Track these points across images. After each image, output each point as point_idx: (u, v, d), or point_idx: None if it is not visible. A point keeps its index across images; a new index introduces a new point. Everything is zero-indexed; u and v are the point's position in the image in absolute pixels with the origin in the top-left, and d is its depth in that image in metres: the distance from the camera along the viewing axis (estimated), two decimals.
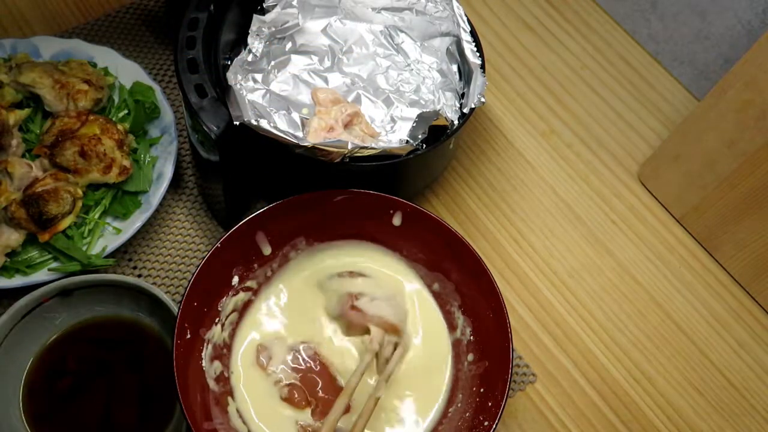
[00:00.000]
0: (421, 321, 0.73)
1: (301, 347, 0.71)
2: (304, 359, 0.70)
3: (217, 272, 0.68)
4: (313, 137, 0.69)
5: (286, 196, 0.69)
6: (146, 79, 0.82)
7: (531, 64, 0.97)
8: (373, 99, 0.75)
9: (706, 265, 0.85)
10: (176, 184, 0.83)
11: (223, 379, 0.68)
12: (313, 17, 0.78)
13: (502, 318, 0.66)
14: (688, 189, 0.83)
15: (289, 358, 0.70)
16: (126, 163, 0.76)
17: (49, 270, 0.72)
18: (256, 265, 0.72)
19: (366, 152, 0.68)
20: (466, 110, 0.73)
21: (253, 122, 0.65)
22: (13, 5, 0.93)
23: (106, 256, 0.73)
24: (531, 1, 1.02)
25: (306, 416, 0.68)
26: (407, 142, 0.70)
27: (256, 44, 0.75)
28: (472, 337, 0.71)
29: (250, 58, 0.74)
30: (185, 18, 0.70)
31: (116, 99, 0.82)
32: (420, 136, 0.70)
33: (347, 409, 0.66)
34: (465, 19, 0.79)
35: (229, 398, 0.68)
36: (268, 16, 0.76)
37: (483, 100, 0.73)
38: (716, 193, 0.80)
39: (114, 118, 0.80)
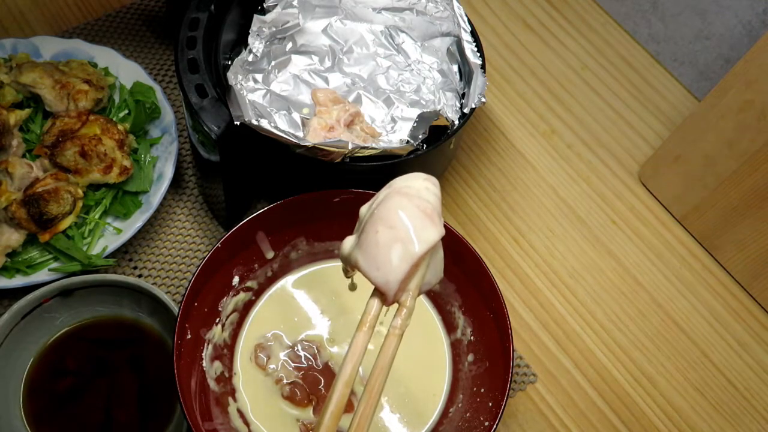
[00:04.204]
0: (417, 322, 0.74)
1: (302, 346, 0.71)
2: (305, 357, 0.70)
3: (218, 272, 0.68)
4: (313, 137, 0.69)
5: (287, 196, 0.69)
6: (147, 79, 0.82)
7: (531, 64, 0.97)
8: (374, 99, 0.75)
9: (706, 265, 0.85)
10: (177, 184, 0.83)
11: (224, 380, 0.68)
12: (314, 17, 0.78)
13: (502, 318, 0.66)
14: (689, 189, 0.83)
15: (291, 356, 0.70)
16: (126, 163, 0.76)
17: (49, 270, 0.72)
18: (256, 266, 0.72)
19: (366, 152, 0.68)
20: (466, 110, 0.73)
21: (254, 122, 0.65)
22: (13, 5, 0.93)
23: (107, 257, 0.73)
24: (531, 1, 1.02)
25: (308, 414, 0.68)
26: (408, 142, 0.70)
27: (256, 44, 0.75)
28: (472, 338, 0.71)
29: (250, 58, 0.74)
30: (186, 18, 0.70)
31: (117, 99, 0.82)
32: (420, 136, 0.70)
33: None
34: (465, 19, 0.79)
35: (230, 398, 0.68)
36: (269, 16, 0.77)
37: (483, 100, 0.73)
38: (717, 194, 0.80)
39: (114, 118, 0.80)
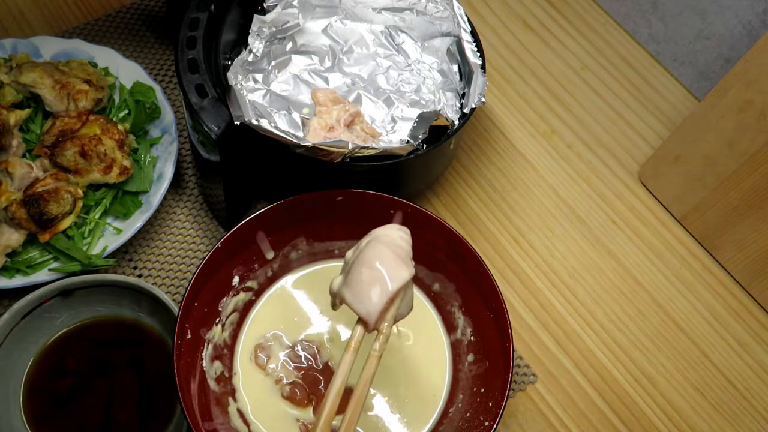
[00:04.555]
0: (417, 322, 0.74)
1: (302, 346, 0.71)
2: (305, 357, 0.70)
3: (218, 272, 0.68)
4: (313, 137, 0.69)
5: (287, 196, 0.69)
6: (147, 79, 0.82)
7: (531, 64, 0.97)
8: (374, 99, 0.75)
9: (706, 265, 0.85)
10: (177, 184, 0.83)
11: (224, 380, 0.68)
12: (314, 17, 0.78)
13: (502, 318, 0.66)
14: (689, 189, 0.83)
15: (291, 356, 0.70)
16: (126, 163, 0.76)
17: (49, 270, 0.72)
18: (256, 266, 0.72)
19: (366, 152, 0.68)
20: (466, 110, 0.73)
21: (254, 122, 0.65)
22: (13, 5, 0.93)
23: (107, 257, 0.73)
24: (531, 1, 1.02)
25: (308, 414, 0.68)
26: (408, 142, 0.70)
27: (256, 44, 0.75)
28: (472, 338, 0.71)
29: (250, 58, 0.74)
30: (186, 18, 0.70)
31: (117, 99, 0.82)
32: (420, 136, 0.70)
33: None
34: (465, 19, 0.79)
35: (230, 398, 0.68)
36: (269, 16, 0.77)
37: (483, 100, 0.73)
38: (716, 194, 0.80)
39: (114, 118, 0.80)
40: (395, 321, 0.58)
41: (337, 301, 0.60)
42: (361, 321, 0.57)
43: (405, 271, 0.57)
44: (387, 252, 0.58)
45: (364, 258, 0.57)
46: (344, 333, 0.72)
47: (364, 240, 0.60)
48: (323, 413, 0.54)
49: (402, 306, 0.59)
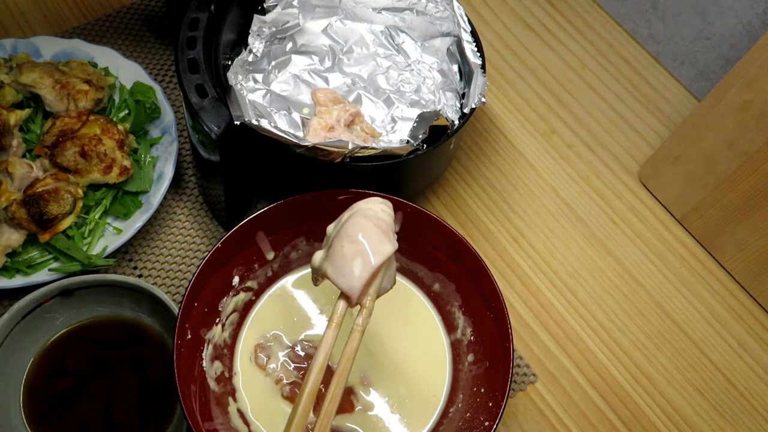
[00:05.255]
0: (417, 322, 0.74)
1: (302, 346, 0.71)
2: (305, 357, 0.70)
3: (218, 272, 0.68)
4: (313, 137, 0.69)
5: (287, 196, 0.69)
6: (147, 79, 0.82)
7: (531, 64, 0.97)
8: (374, 99, 0.75)
9: (706, 265, 0.85)
10: (177, 184, 0.83)
11: (224, 380, 0.68)
12: (314, 17, 0.78)
13: (502, 318, 0.66)
14: (689, 189, 0.83)
15: (290, 356, 0.70)
16: (126, 163, 0.76)
17: (49, 270, 0.72)
18: (256, 266, 0.72)
19: (366, 152, 0.68)
20: (466, 110, 0.73)
21: (254, 122, 0.65)
22: (13, 5, 0.93)
23: (107, 257, 0.73)
24: (532, 1, 1.02)
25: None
26: (408, 142, 0.70)
27: (256, 44, 0.75)
28: (472, 338, 0.71)
29: (250, 58, 0.74)
30: (186, 18, 0.70)
31: (117, 99, 0.82)
32: (420, 136, 0.70)
33: (351, 408, 0.66)
34: (465, 19, 0.79)
35: (230, 398, 0.68)
36: (269, 16, 0.77)
37: (484, 100, 0.73)
38: (717, 193, 0.80)
39: (114, 119, 0.80)
40: (378, 295, 0.58)
41: (318, 276, 0.59)
42: (343, 296, 0.56)
43: (388, 245, 0.56)
44: (369, 225, 0.56)
45: (346, 231, 0.56)
46: (344, 332, 0.72)
47: (346, 213, 0.59)
48: (306, 388, 0.54)
49: (384, 280, 0.58)
